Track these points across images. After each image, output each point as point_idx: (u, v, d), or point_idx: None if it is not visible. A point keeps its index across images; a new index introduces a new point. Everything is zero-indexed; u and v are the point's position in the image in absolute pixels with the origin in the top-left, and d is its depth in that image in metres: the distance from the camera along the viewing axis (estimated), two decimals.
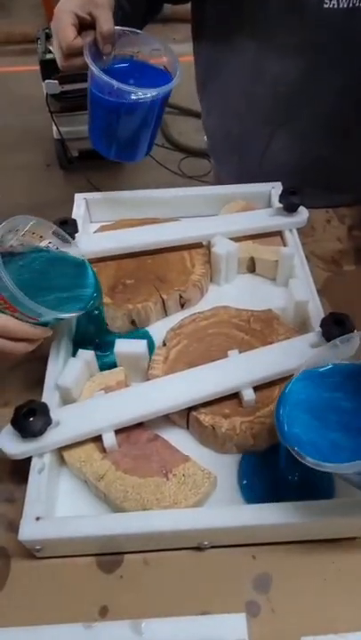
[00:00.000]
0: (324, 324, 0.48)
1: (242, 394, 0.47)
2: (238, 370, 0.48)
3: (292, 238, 0.63)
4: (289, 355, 0.49)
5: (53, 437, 0.44)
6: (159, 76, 0.61)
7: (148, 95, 0.56)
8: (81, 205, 0.69)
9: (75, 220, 0.59)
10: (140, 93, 0.56)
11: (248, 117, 0.73)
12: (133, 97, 0.56)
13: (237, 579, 0.43)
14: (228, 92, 0.73)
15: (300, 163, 0.75)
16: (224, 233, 0.62)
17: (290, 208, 0.62)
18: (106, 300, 0.57)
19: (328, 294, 0.62)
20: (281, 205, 0.63)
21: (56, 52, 0.58)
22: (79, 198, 0.70)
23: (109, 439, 0.45)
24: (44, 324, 0.48)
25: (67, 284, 0.50)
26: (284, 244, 0.63)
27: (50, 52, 1.80)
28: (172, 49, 0.61)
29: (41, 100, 1.82)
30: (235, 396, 0.48)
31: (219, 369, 0.48)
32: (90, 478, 0.44)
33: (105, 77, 0.54)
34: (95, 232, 0.66)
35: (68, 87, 1.81)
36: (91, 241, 0.62)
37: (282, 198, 0.62)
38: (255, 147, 0.75)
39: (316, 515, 0.40)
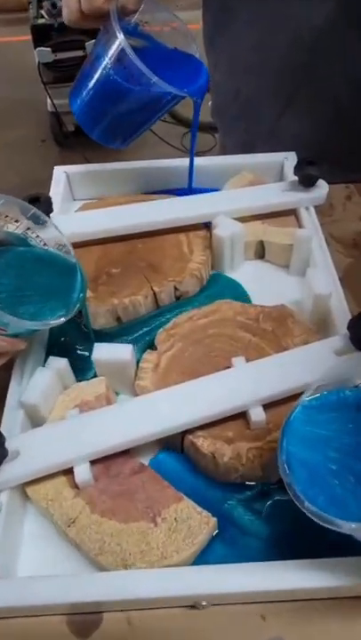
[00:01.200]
0: (352, 325, 0.39)
1: (249, 413, 0.38)
2: (245, 384, 0.39)
3: (310, 218, 0.53)
4: (308, 364, 0.39)
5: (12, 471, 0.35)
6: (187, 64, 0.51)
7: (183, 92, 0.47)
8: (61, 180, 0.59)
9: (48, 197, 0.49)
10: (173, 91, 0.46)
11: (262, 74, 0.62)
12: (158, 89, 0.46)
13: None
14: (240, 41, 0.62)
15: (320, 133, 0.64)
16: (228, 212, 0.52)
17: (307, 181, 0.52)
18: (87, 292, 0.47)
19: (351, 284, 0.52)
20: (296, 178, 0.53)
21: (71, 4, 0.47)
22: (59, 172, 0.60)
23: (82, 473, 0.36)
24: (16, 335, 0.39)
25: (50, 289, 0.41)
26: (300, 225, 0.53)
27: (42, 16, 1.67)
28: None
29: (35, 71, 1.70)
30: (240, 414, 0.39)
31: (221, 383, 0.39)
32: (58, 523, 0.35)
33: (143, 67, 0.44)
34: (77, 211, 0.57)
35: (61, 55, 1.68)
36: (70, 222, 0.52)
37: (298, 170, 0.52)
38: (268, 111, 0.64)
39: (346, 575, 0.31)
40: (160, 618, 0.35)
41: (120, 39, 0.44)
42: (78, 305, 0.40)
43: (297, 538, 0.35)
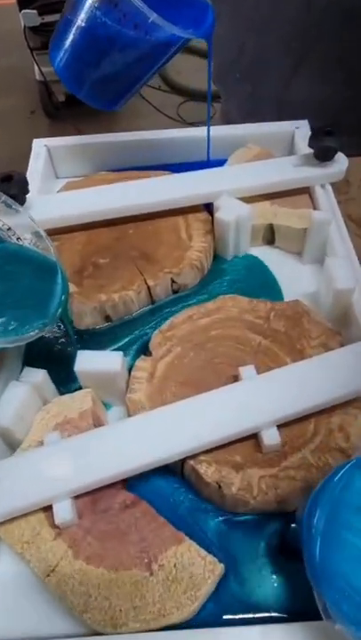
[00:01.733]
0: None
1: (261, 436, 0.32)
2: (257, 401, 0.32)
3: (327, 197, 0.46)
4: (332, 375, 0.33)
5: None
6: (189, 4, 0.43)
7: (187, 33, 0.39)
8: (40, 155, 0.52)
9: (22, 177, 0.42)
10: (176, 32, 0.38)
11: (271, 25, 0.54)
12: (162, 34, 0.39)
13: None
14: None
15: (333, 98, 0.56)
16: (232, 191, 0.45)
17: (324, 155, 0.45)
18: (70, 287, 0.41)
19: None
20: (311, 151, 0.46)
21: None
22: (38, 145, 0.53)
23: (63, 512, 0.30)
24: None
25: (27, 294, 0.34)
26: (315, 206, 0.46)
27: None
28: None
29: (22, 36, 1.59)
30: (250, 435, 0.33)
31: (228, 399, 0.33)
32: (35, 571, 0.29)
33: (138, 2, 0.36)
34: (59, 192, 0.49)
35: (49, 18, 1.56)
36: (50, 203, 0.46)
37: (313, 141, 0.44)
38: (276, 72, 0.56)
39: None
40: None
41: None
42: (60, 312, 0.34)
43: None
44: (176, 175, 0.47)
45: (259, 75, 0.58)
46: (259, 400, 0.32)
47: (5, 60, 2.01)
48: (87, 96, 0.46)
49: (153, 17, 0.37)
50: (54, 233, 0.44)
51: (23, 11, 1.55)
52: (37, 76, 1.69)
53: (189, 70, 1.90)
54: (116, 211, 0.45)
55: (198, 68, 1.75)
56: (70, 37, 0.42)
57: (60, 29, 0.44)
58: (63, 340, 0.41)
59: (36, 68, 1.65)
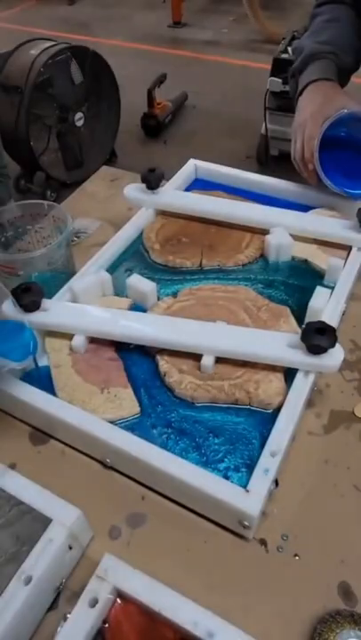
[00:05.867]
0: (306, 334, 0.46)
1: (202, 359, 0.49)
2: (208, 335, 0.50)
3: (357, 258, 0.60)
4: (262, 343, 0.49)
5: (40, 319, 0.52)
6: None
7: None
8: (190, 166, 0.76)
9: (161, 172, 0.66)
10: None
11: None
12: None
13: None
14: None
15: None
16: (287, 226, 0.62)
17: None
18: (155, 245, 0.64)
19: None
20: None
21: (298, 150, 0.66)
22: (192, 162, 0.77)
23: (78, 341, 0.52)
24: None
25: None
26: (346, 260, 0.61)
27: (286, 51, 1.87)
28: None
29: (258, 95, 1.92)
30: (199, 359, 0.50)
31: (197, 328, 0.51)
32: (51, 364, 0.51)
33: None
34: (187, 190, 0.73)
35: (287, 87, 1.87)
36: (172, 196, 0.69)
37: (359, 213, 0.60)
38: None
39: None
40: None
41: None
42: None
43: None
44: (258, 205, 0.67)
45: None
46: (212, 335, 0.50)
47: (239, 109, 2.39)
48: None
49: None
50: (171, 215, 0.68)
51: (271, 77, 1.88)
52: (262, 130, 2.00)
53: None
54: (209, 213, 0.66)
55: None
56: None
57: None
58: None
59: (264, 124, 1.96)
